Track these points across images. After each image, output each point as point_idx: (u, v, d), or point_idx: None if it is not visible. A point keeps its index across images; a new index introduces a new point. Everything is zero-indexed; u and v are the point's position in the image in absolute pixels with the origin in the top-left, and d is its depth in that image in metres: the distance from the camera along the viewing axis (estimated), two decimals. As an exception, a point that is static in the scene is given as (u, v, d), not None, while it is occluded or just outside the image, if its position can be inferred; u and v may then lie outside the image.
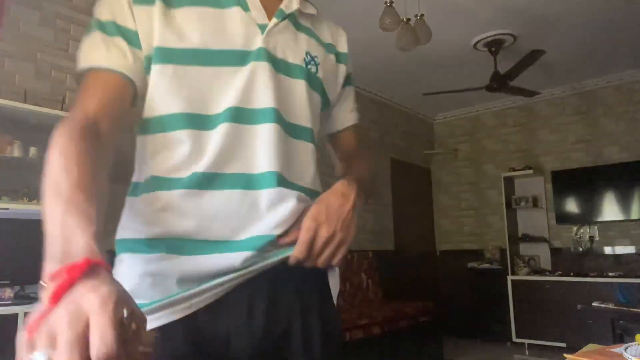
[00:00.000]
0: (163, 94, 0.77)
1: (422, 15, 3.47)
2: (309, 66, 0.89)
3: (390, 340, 3.94)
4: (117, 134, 0.73)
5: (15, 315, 2.31)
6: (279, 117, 0.81)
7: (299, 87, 0.87)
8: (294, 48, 0.87)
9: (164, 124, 0.78)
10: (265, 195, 0.78)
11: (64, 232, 0.50)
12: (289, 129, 0.83)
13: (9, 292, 2.46)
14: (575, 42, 4.49)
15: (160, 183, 0.76)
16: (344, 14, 3.85)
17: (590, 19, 4.05)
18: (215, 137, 0.76)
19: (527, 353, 5.09)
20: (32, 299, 2.56)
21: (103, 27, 0.76)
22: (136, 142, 0.83)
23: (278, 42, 0.84)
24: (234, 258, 0.75)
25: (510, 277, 5.34)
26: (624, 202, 5.08)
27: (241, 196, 0.77)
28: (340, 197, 0.81)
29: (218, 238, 0.76)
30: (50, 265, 0.47)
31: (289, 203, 0.79)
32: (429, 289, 5.90)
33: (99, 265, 0.47)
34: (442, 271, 6.31)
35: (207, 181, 0.76)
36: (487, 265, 5.74)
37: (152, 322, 0.70)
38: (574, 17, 4.01)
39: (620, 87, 5.35)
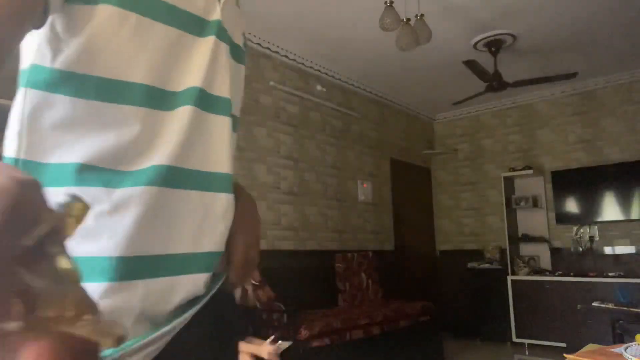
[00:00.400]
0: (119, 51, 0.58)
1: (422, 15, 3.46)
2: (245, 49, 0.77)
3: (390, 340, 3.94)
4: (10, 53, 0.49)
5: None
6: (230, 109, 0.69)
7: (241, 73, 0.75)
8: (236, 26, 0.74)
9: (112, 91, 0.57)
10: (223, 199, 0.67)
11: None
12: (233, 123, 0.71)
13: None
14: (575, 42, 4.49)
15: (96, 175, 0.56)
16: (344, 13, 3.85)
17: (590, 20, 4.05)
18: (177, 123, 0.61)
19: (527, 353, 5.09)
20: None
21: None
22: (22, 98, 0.58)
23: (228, 15, 0.70)
24: (198, 281, 0.63)
25: (510, 277, 5.34)
26: (624, 202, 5.08)
27: (200, 198, 0.63)
28: (255, 216, 0.77)
29: (182, 250, 0.61)
30: None
31: (232, 213, 0.69)
32: (429, 289, 5.90)
33: None
34: (442, 271, 6.31)
35: (171, 177, 0.59)
36: (487, 265, 5.74)
37: None
38: (574, 17, 4.00)
39: (620, 87, 5.35)
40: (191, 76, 0.63)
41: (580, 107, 5.61)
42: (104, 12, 0.56)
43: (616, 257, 5.12)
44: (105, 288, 0.54)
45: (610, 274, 4.82)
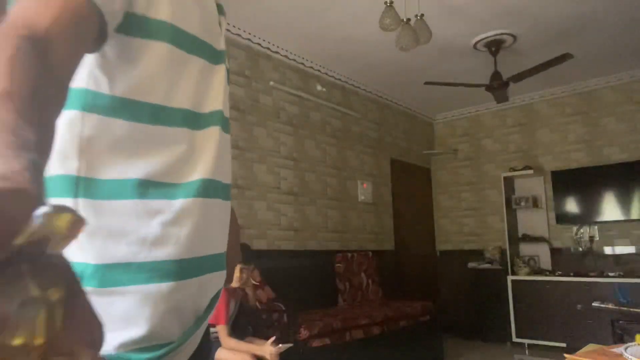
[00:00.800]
0: (167, 81, 0.66)
1: (422, 15, 3.46)
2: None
3: (390, 340, 3.94)
4: (73, 74, 0.50)
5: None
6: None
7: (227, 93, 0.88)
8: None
9: (162, 115, 0.65)
10: (229, 206, 0.78)
11: None
12: None
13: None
14: (575, 42, 4.49)
15: (156, 189, 0.63)
16: (344, 14, 3.85)
17: (590, 20, 4.05)
18: (210, 141, 0.70)
19: (527, 353, 5.09)
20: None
21: None
22: (80, 121, 0.61)
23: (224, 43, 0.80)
24: (222, 277, 0.74)
25: (510, 277, 5.34)
26: (624, 202, 5.08)
27: (222, 206, 0.73)
28: (235, 219, 0.88)
29: (215, 251, 0.71)
30: None
31: None
32: (429, 289, 5.90)
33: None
34: (442, 271, 6.31)
35: (210, 189, 0.69)
36: (487, 265, 5.74)
37: None
38: (573, 17, 4.00)
39: (620, 87, 5.35)
40: (214, 100, 0.72)
41: (580, 107, 5.61)
42: (159, 48, 0.64)
43: (616, 257, 5.12)
44: (172, 287, 0.62)
45: (610, 274, 4.82)
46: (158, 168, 0.63)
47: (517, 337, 5.20)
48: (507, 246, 5.51)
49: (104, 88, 0.61)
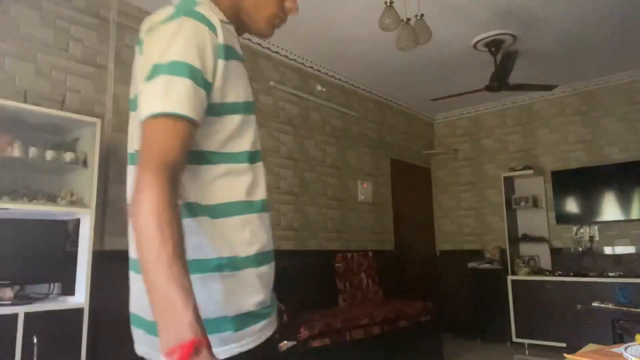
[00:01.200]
0: (242, 135, 0.95)
1: (422, 15, 3.47)
2: None
3: (390, 340, 3.94)
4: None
5: (15, 316, 2.31)
6: None
7: None
8: None
9: (239, 158, 0.95)
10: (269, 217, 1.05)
11: (170, 302, 0.67)
12: None
13: (9, 292, 2.45)
14: (575, 42, 4.49)
15: (245, 206, 0.94)
16: (344, 14, 3.85)
17: (591, 19, 4.05)
18: (261, 170, 1.01)
19: (527, 353, 5.09)
20: (32, 299, 2.56)
21: (194, 75, 0.82)
22: (190, 170, 0.89)
23: None
24: (274, 267, 1.03)
25: (510, 277, 5.34)
26: (624, 202, 5.08)
27: (268, 217, 1.03)
28: None
29: (272, 247, 1.02)
30: (167, 338, 0.66)
31: None
32: (429, 289, 5.90)
33: (201, 343, 0.65)
34: (442, 271, 6.31)
35: (267, 205, 1.01)
36: (487, 265, 5.74)
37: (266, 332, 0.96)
38: (574, 17, 4.00)
39: (620, 87, 5.35)
40: (258, 140, 1.01)
41: (580, 107, 5.61)
42: (234, 117, 0.94)
43: (616, 257, 5.12)
44: (266, 269, 0.97)
45: (610, 274, 4.82)
46: (242, 193, 0.94)
47: (517, 337, 5.20)
48: (507, 246, 5.51)
49: (202, 148, 0.90)
